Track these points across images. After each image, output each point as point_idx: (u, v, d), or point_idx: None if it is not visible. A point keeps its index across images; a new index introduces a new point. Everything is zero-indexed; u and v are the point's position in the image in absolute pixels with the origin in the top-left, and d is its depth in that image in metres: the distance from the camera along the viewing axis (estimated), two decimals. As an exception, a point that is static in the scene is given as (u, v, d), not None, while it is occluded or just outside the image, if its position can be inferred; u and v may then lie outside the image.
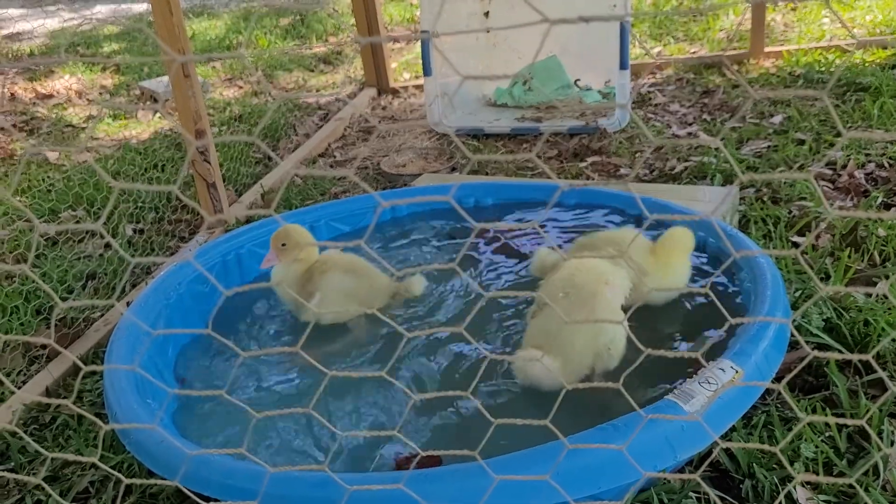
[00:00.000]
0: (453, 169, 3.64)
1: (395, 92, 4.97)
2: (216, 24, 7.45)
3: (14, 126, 4.66)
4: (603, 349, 1.78)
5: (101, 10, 9.03)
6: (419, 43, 4.98)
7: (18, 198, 3.50)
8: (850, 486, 1.55)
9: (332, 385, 1.98)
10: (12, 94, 5.44)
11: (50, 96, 5.41)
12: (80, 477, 1.90)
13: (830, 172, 2.95)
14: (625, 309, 1.98)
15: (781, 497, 1.53)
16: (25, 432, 2.04)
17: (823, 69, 4.03)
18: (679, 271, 2.10)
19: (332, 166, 3.95)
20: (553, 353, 1.73)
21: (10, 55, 6.77)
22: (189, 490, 1.32)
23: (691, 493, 1.59)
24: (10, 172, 4.00)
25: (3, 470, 1.95)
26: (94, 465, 1.92)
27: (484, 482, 1.23)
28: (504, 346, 2.05)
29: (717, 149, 3.31)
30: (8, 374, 2.30)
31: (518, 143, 3.90)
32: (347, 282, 2.23)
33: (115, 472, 1.11)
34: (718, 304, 0.73)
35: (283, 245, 2.22)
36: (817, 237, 2.49)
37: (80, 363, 0.82)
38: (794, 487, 1.56)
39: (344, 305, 2.20)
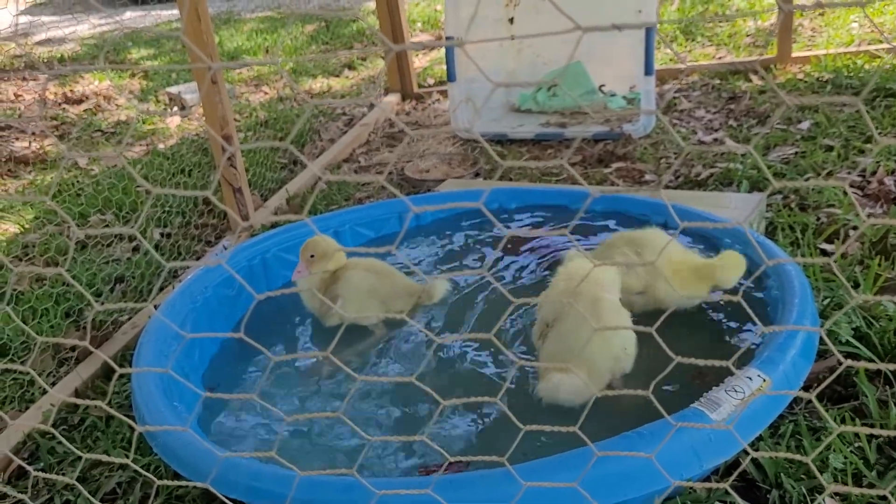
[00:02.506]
0: (477, 174, 3.64)
1: (418, 97, 4.99)
2: (242, 31, 7.53)
3: (44, 131, 4.74)
4: (620, 351, 1.77)
5: (130, 17, 9.17)
6: (443, 48, 4.99)
7: (50, 202, 3.55)
8: (882, 497, 1.53)
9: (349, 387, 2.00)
10: (43, 100, 5.54)
11: (80, 101, 5.50)
12: (108, 478, 1.92)
13: (860, 179, 2.91)
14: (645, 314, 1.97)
15: (810, 508, 1.52)
16: (55, 434, 2.07)
17: (852, 74, 3.99)
18: (694, 284, 2.07)
19: (356, 171, 3.97)
20: (576, 369, 1.71)
21: (41, 61, 6.89)
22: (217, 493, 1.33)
23: (717, 503, 1.58)
24: (40, 175, 4.07)
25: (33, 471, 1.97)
26: (121, 467, 1.95)
27: (511, 488, 1.23)
28: (524, 349, 2.05)
29: (743, 155, 3.28)
30: (38, 376, 2.34)
31: (542, 148, 3.89)
32: (368, 280, 2.26)
33: (147, 474, 1.12)
34: (750, 311, 0.73)
35: (312, 256, 2.24)
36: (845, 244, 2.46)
37: (114, 365, 0.83)
38: (824, 499, 1.54)
39: (365, 304, 2.22)
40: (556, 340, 1.80)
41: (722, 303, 2.10)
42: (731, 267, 2.01)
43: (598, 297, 1.80)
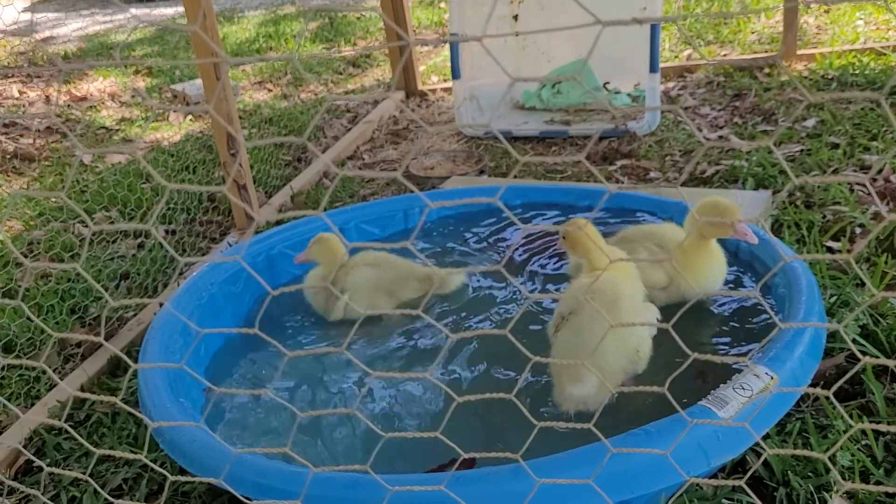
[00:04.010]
0: (481, 172, 3.64)
1: (423, 95, 4.99)
2: (247, 27, 7.53)
3: (51, 127, 4.74)
4: (633, 352, 1.76)
5: (135, 14, 9.16)
6: (447, 46, 4.99)
7: (53, 199, 3.56)
8: (890, 495, 1.53)
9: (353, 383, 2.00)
10: (47, 97, 5.54)
11: (84, 98, 5.50)
12: (114, 474, 1.93)
13: (867, 177, 2.90)
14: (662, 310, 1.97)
15: (818, 505, 1.51)
16: (61, 430, 2.08)
17: (858, 72, 3.98)
18: (710, 264, 2.07)
19: (360, 169, 3.97)
20: (589, 366, 1.69)
21: (45, 58, 6.89)
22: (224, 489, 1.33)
23: (724, 501, 1.58)
24: (45, 173, 4.07)
25: (45, 466, 1.98)
26: (127, 463, 1.95)
27: (524, 485, 1.23)
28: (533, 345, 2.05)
29: (748, 152, 3.27)
30: (43, 373, 2.34)
31: (546, 146, 3.89)
32: (372, 274, 2.29)
33: (159, 468, 1.12)
34: (768, 307, 0.72)
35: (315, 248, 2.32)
36: (852, 242, 2.46)
37: (128, 360, 0.83)
38: (832, 496, 1.53)
39: (374, 299, 2.26)
40: (570, 334, 1.78)
41: (734, 297, 2.10)
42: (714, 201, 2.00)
43: (617, 295, 1.80)
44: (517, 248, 2.60)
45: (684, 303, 2.07)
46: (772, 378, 1.54)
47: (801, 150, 3.23)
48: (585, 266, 1.98)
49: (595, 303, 1.77)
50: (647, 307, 1.87)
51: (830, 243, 2.49)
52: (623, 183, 3.27)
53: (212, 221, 3.34)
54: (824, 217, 2.63)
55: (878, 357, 1.90)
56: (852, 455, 1.63)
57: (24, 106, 5.49)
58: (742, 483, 0.86)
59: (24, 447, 2.06)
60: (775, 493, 1.60)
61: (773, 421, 1.53)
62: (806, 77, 4.09)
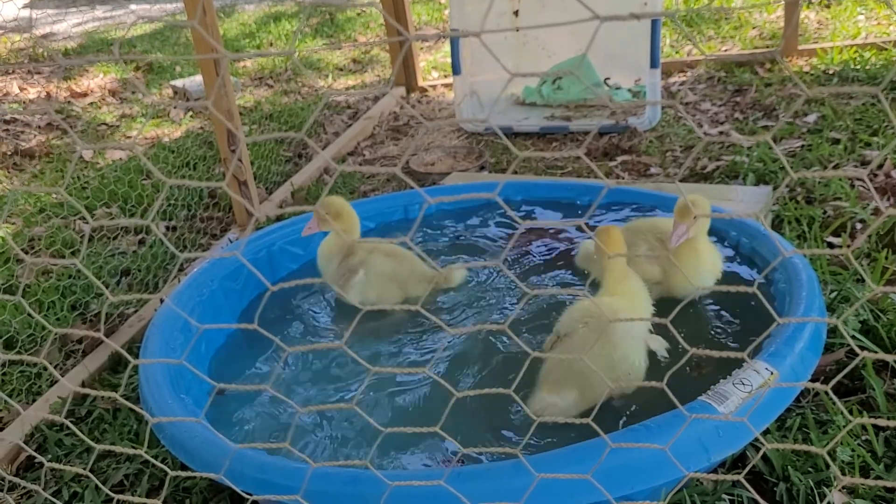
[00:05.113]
0: (482, 168, 3.64)
1: (423, 91, 4.98)
2: (247, 24, 7.52)
3: (51, 123, 4.74)
4: (624, 375, 1.76)
5: (135, 10, 9.15)
6: (448, 42, 4.98)
7: (55, 195, 3.56)
8: (889, 490, 1.53)
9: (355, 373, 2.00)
10: (48, 94, 5.54)
11: (84, 95, 5.49)
12: (116, 470, 1.93)
13: (866, 172, 2.90)
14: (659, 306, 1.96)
15: (825, 501, 1.51)
16: (62, 426, 2.08)
17: (859, 67, 3.97)
18: (697, 260, 2.07)
19: (361, 165, 3.96)
20: (570, 386, 1.72)
21: (45, 54, 6.89)
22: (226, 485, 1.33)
23: (724, 496, 1.58)
24: (46, 170, 4.07)
25: (46, 462, 1.98)
26: (129, 458, 1.96)
27: (523, 480, 1.23)
28: (535, 338, 2.05)
29: (749, 148, 3.27)
30: (44, 369, 2.35)
31: (547, 141, 3.89)
32: (389, 265, 2.30)
33: (159, 464, 1.12)
34: (766, 303, 0.72)
35: (328, 214, 2.27)
36: (852, 237, 2.46)
37: (128, 356, 0.83)
38: (831, 491, 1.54)
39: (385, 289, 2.27)
40: (560, 353, 1.79)
41: (729, 292, 2.10)
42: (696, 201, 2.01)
43: (612, 323, 1.81)
44: (517, 243, 2.60)
45: (678, 298, 2.08)
46: (772, 373, 1.54)
47: (802, 146, 3.23)
48: (603, 278, 1.95)
49: (590, 325, 1.78)
50: (652, 338, 1.87)
51: (831, 239, 2.48)
52: (623, 179, 3.26)
53: (212, 218, 3.34)
54: (825, 213, 2.63)
55: (877, 352, 1.90)
56: (852, 450, 1.63)
57: (24, 102, 5.49)
58: (741, 478, 0.86)
59: (26, 443, 2.06)
60: (775, 489, 1.60)
61: (773, 416, 1.53)
62: (807, 72, 4.08)
